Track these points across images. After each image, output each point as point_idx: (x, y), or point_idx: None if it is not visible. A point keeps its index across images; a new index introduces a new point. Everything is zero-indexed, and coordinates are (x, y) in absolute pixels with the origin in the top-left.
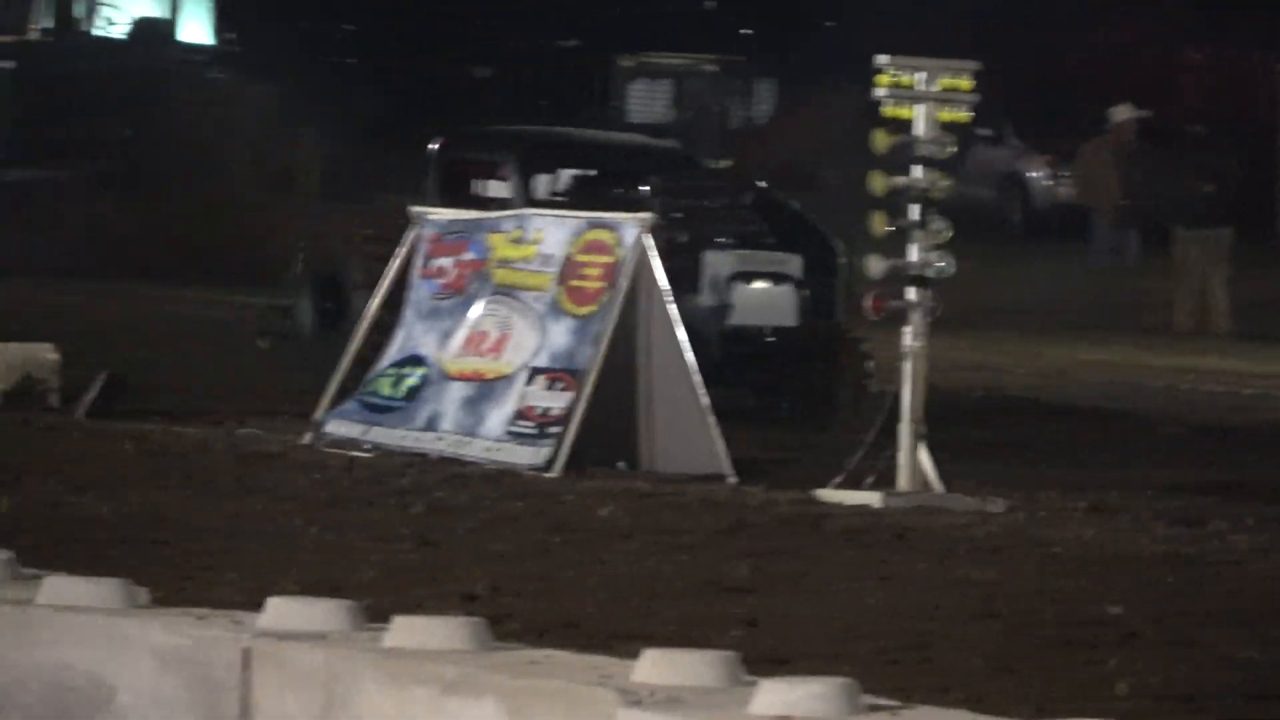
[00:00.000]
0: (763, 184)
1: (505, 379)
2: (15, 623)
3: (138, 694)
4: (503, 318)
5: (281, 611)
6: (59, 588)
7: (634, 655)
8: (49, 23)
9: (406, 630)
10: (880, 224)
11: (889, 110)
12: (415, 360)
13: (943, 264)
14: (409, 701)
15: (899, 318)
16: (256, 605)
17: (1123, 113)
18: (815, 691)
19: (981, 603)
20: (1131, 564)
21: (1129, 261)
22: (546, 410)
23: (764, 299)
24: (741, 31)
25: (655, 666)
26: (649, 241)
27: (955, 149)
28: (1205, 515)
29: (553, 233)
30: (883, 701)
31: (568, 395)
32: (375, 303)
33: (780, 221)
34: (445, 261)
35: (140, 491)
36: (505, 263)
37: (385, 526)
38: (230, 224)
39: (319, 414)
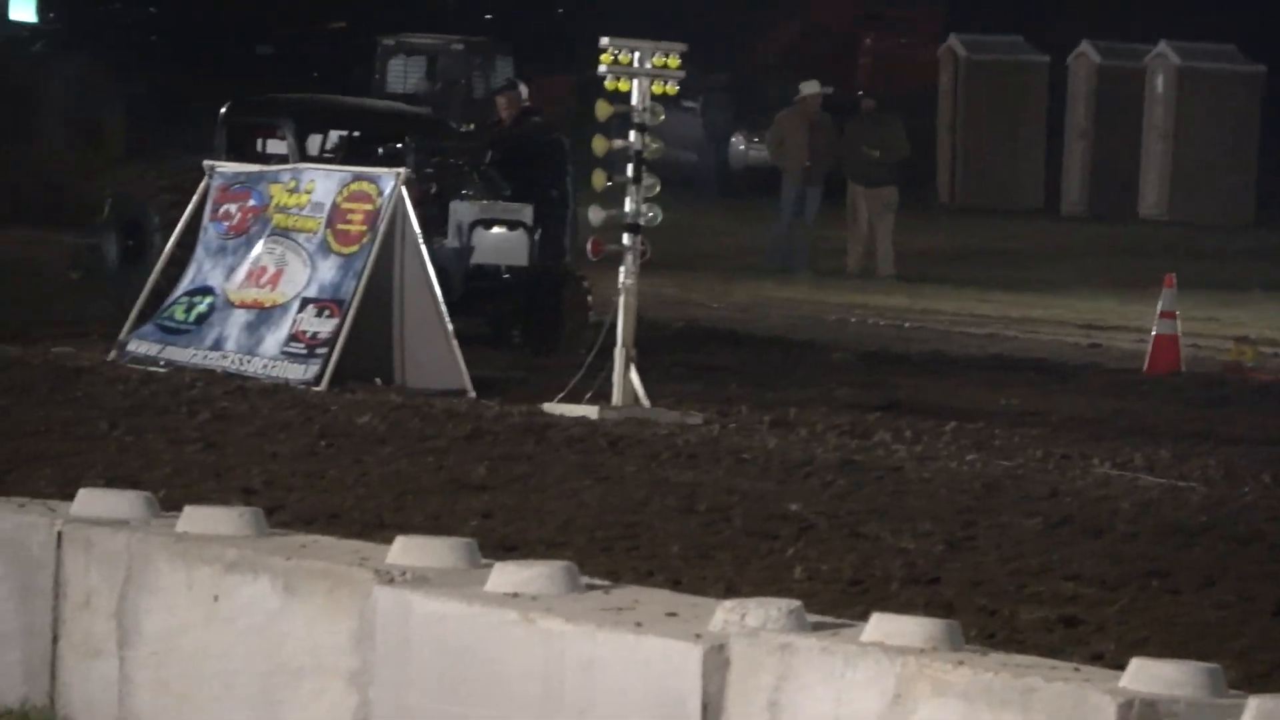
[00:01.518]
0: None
1: (280, 307)
2: None
3: None
4: (279, 255)
5: (89, 501)
6: None
7: (389, 542)
8: None
9: (194, 518)
10: (600, 180)
11: (610, 84)
12: (204, 290)
13: (652, 214)
14: (196, 579)
15: (615, 259)
16: (68, 495)
17: (810, 87)
18: (540, 573)
19: (681, 500)
20: (808, 469)
21: (810, 215)
22: (315, 334)
23: (500, 242)
24: (485, 16)
25: (406, 551)
26: (404, 192)
27: (664, 117)
28: (871, 429)
29: (322, 184)
30: (597, 581)
31: (333, 321)
32: (171, 241)
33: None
34: (232, 207)
35: None
36: (282, 209)
37: (177, 431)
38: (47, 175)
39: (122, 335)
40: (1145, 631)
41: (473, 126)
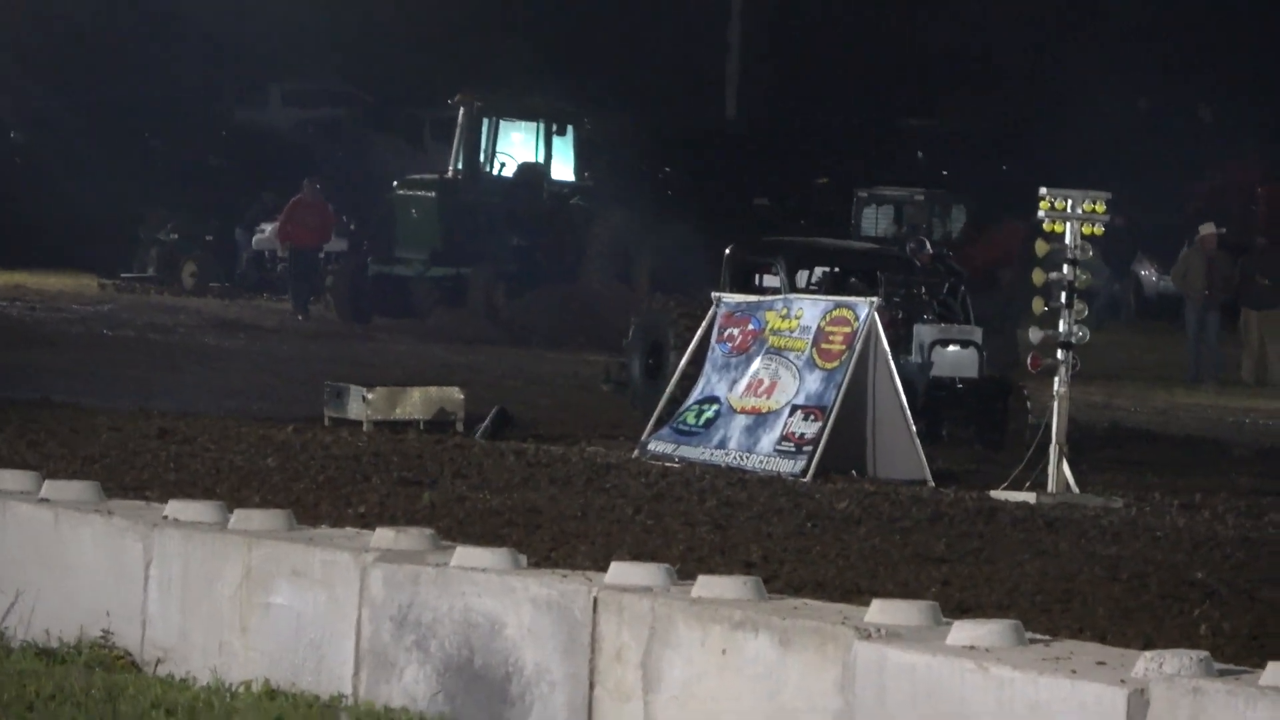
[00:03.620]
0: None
1: (774, 413)
2: (437, 579)
3: (519, 628)
4: (773, 370)
5: (619, 572)
6: (466, 555)
7: (866, 605)
8: (462, 164)
9: (707, 585)
10: (1039, 305)
11: (1048, 226)
12: (712, 399)
13: (1082, 334)
14: (709, 635)
15: (1051, 371)
16: (602, 567)
17: (1207, 228)
18: (993, 629)
19: (1107, 570)
20: (1212, 544)
21: (1211, 335)
22: (803, 435)
23: (955, 359)
24: (943, 171)
25: (881, 611)
26: (876, 318)
27: (1091, 253)
28: (1264, 509)
29: (809, 311)
30: (1039, 636)
31: (817, 424)
32: (684, 359)
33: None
34: (735, 330)
35: (520, 490)
36: (776, 332)
37: (689, 515)
38: (588, 307)
39: (644, 437)
40: None
41: (931, 262)
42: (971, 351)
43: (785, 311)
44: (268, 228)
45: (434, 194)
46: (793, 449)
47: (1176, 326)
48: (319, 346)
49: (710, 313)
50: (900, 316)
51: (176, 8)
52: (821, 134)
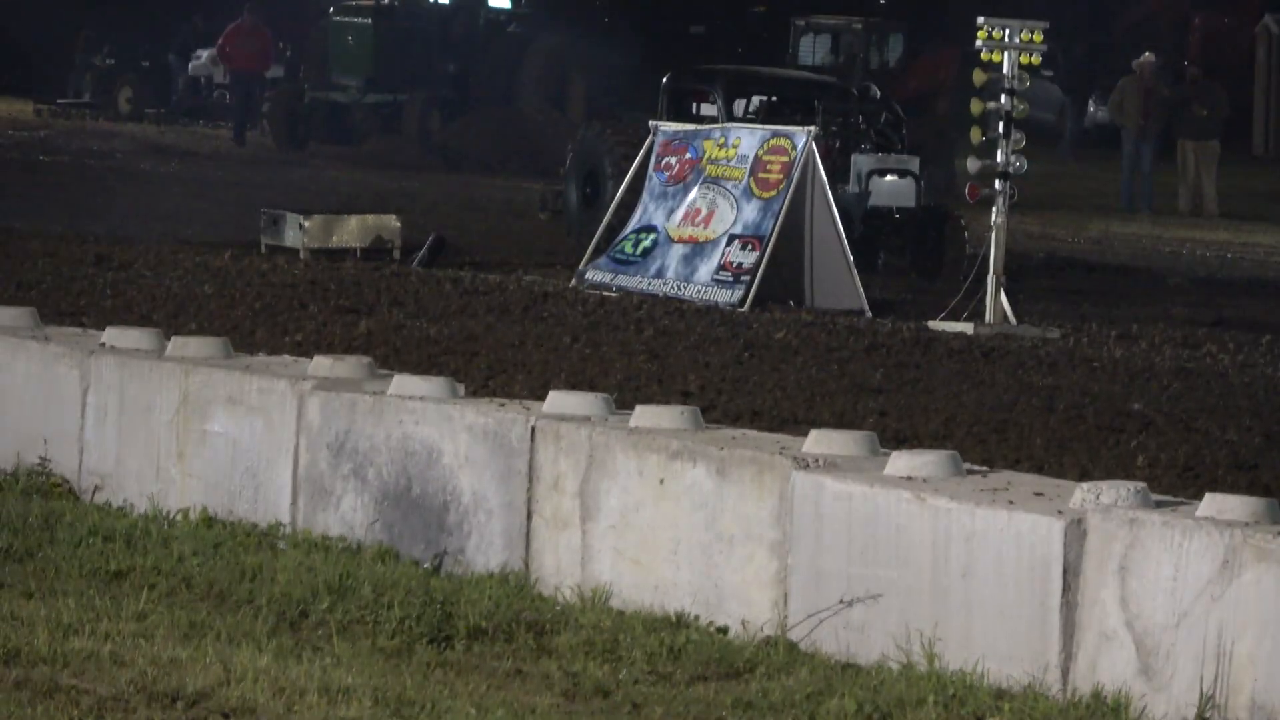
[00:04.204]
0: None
1: (711, 242)
2: (374, 408)
3: (457, 456)
4: (710, 199)
5: (557, 401)
6: (404, 383)
7: (803, 435)
8: None
9: (644, 415)
10: (977, 135)
11: (985, 55)
12: (649, 229)
13: (1019, 164)
14: (646, 465)
15: (988, 202)
16: (539, 396)
17: (1145, 58)
18: (930, 459)
19: (1043, 401)
20: (1148, 374)
21: (1146, 166)
22: (740, 264)
23: (893, 188)
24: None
25: (818, 441)
26: (813, 147)
27: (1029, 83)
28: (1200, 341)
29: (746, 140)
30: (976, 467)
31: (755, 254)
32: (621, 188)
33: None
34: (672, 160)
35: (458, 319)
36: (713, 161)
37: (627, 344)
38: (522, 134)
39: (581, 266)
40: None
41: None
42: (909, 181)
43: (723, 140)
44: (204, 54)
45: (370, 20)
46: (730, 279)
47: (1114, 156)
48: (255, 173)
49: (647, 141)
50: (838, 146)
51: None
52: None
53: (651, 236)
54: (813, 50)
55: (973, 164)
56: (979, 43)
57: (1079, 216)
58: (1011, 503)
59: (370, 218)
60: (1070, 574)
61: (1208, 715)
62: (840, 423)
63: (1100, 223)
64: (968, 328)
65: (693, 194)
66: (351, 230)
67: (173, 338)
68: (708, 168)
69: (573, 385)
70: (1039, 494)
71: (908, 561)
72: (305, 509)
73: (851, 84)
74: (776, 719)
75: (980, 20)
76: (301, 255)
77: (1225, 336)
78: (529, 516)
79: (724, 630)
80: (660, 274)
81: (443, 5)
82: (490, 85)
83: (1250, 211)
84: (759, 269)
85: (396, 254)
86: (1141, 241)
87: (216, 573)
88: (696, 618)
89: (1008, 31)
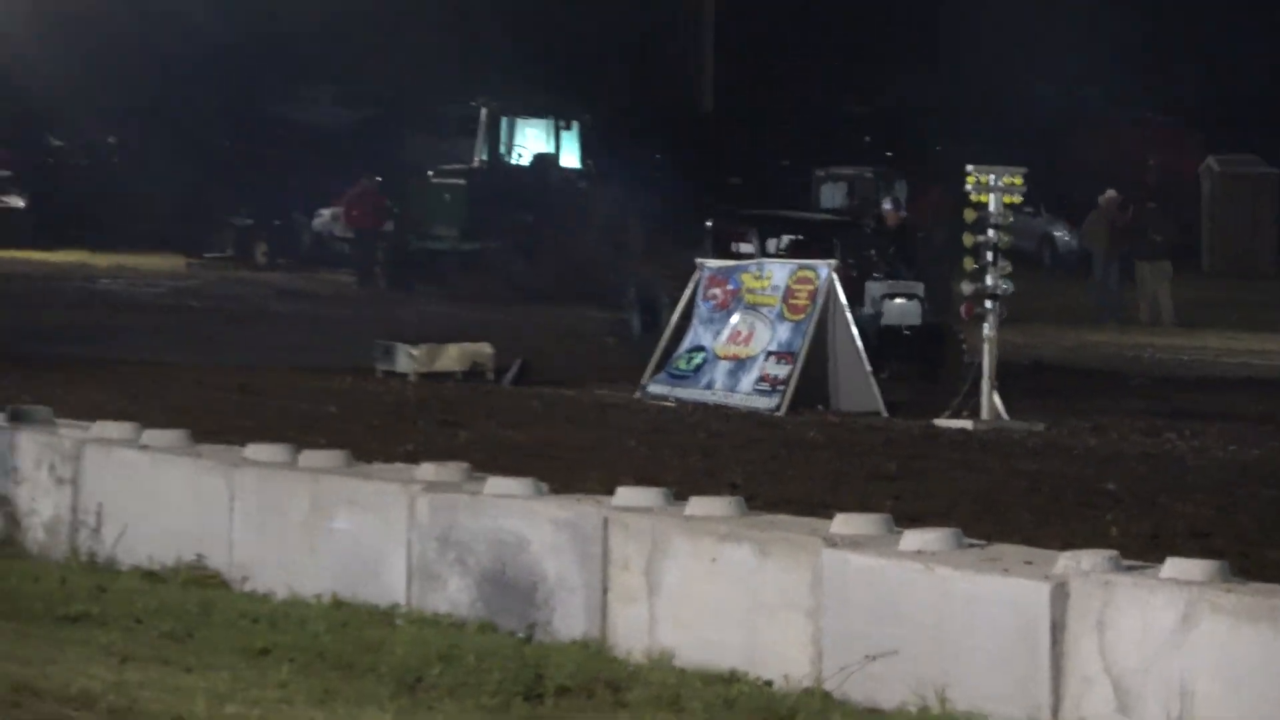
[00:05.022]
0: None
1: (752, 358)
2: (472, 505)
3: (542, 544)
4: (750, 322)
5: (625, 495)
6: (497, 484)
7: (830, 518)
8: (485, 156)
9: (697, 505)
10: (969, 263)
11: (974, 196)
12: (699, 348)
13: (1007, 286)
14: (700, 546)
15: (981, 318)
16: (609, 491)
17: (1109, 194)
18: (937, 536)
19: (1030, 483)
20: (1118, 459)
21: (1112, 284)
22: (776, 376)
23: (901, 309)
24: (886, 152)
25: (844, 524)
26: (834, 277)
27: (1011, 219)
28: (1160, 429)
29: (778, 272)
30: (975, 541)
31: (788, 367)
32: (675, 314)
33: (912, 262)
34: (716, 290)
35: (541, 427)
36: (751, 290)
37: (682, 445)
38: (588, 273)
39: (643, 380)
40: None
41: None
42: (915, 303)
43: (758, 273)
44: (325, 212)
45: (464, 181)
46: (768, 388)
47: (1082, 276)
48: (369, 310)
49: (695, 275)
50: (855, 275)
51: (244, 39)
52: (784, 123)
53: (701, 355)
54: (832, 195)
55: (966, 287)
56: (968, 186)
57: (1056, 328)
58: (1006, 570)
59: (467, 346)
60: (1057, 629)
61: None
62: (861, 506)
63: (1074, 333)
64: (967, 424)
65: (735, 318)
66: (452, 356)
67: (303, 451)
68: (746, 296)
69: (638, 481)
70: (1029, 562)
71: (919, 621)
72: (418, 591)
73: (864, 223)
74: None
75: (969, 167)
76: (410, 378)
77: (1181, 425)
78: (604, 592)
79: (769, 683)
80: (709, 385)
81: (522, 167)
82: (562, 231)
83: (1200, 319)
84: (792, 379)
85: (489, 375)
86: (1109, 347)
87: (344, 647)
88: (746, 673)
89: (992, 176)
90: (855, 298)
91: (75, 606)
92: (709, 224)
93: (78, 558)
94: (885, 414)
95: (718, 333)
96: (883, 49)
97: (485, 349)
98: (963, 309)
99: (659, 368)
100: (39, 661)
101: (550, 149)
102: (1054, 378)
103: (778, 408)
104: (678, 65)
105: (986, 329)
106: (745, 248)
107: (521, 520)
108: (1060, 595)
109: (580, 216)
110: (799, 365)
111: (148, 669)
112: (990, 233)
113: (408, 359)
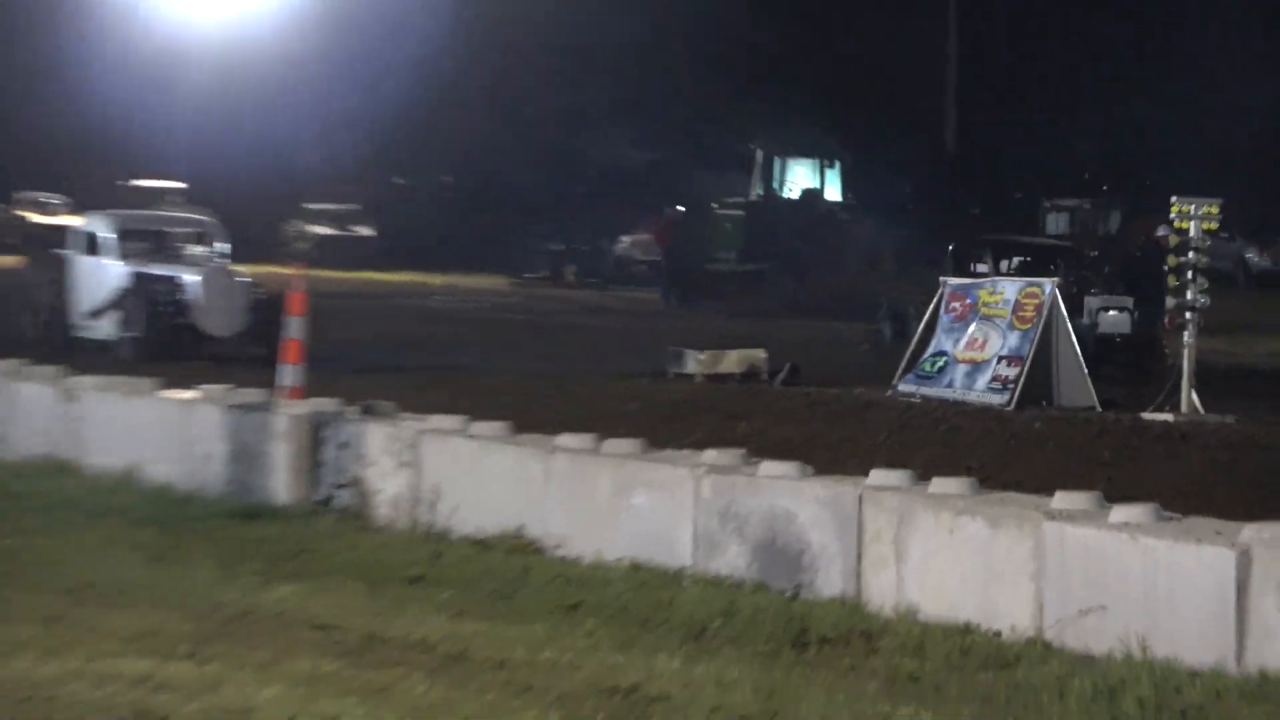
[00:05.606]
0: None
1: (986, 362)
2: (749, 484)
3: (808, 518)
4: (985, 331)
5: (877, 476)
6: (770, 468)
7: (1051, 496)
8: (760, 190)
9: (939, 484)
10: (1173, 280)
11: (1177, 224)
12: (941, 353)
13: (1204, 300)
14: (940, 519)
15: (1183, 328)
16: (864, 474)
17: None
18: (1141, 511)
19: (1224, 469)
20: None
21: None
22: (1007, 376)
23: (1114, 320)
24: (1103, 186)
25: (1062, 500)
26: (1057, 293)
27: (1208, 243)
28: None
29: (1009, 289)
30: (1174, 515)
31: (1017, 369)
32: (922, 325)
33: (1125, 278)
34: (956, 304)
35: (806, 422)
36: (985, 304)
37: (927, 436)
38: (847, 290)
39: (895, 381)
40: None
41: (1096, 253)
42: (1126, 314)
43: (992, 289)
44: (626, 239)
45: (742, 211)
46: (1000, 387)
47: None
48: (662, 323)
49: (939, 292)
50: (1075, 291)
51: (563, 97)
52: (1015, 160)
53: (943, 359)
54: (1055, 223)
55: (1170, 302)
56: (1172, 214)
57: (1253, 337)
58: (1199, 540)
59: (746, 351)
60: (1240, 589)
61: None
62: (1078, 487)
63: (1270, 342)
64: (1169, 417)
65: (972, 328)
66: (732, 360)
67: (606, 440)
68: (982, 309)
69: (888, 465)
70: (1219, 533)
71: (1125, 583)
72: (702, 557)
73: (1084, 248)
74: (1036, 695)
75: (1173, 199)
76: (696, 379)
77: None
78: (859, 559)
79: (998, 634)
80: (950, 384)
81: (793, 200)
82: (826, 255)
83: None
84: (1020, 380)
85: (764, 377)
86: None
87: (641, 603)
88: (979, 626)
89: (1193, 206)
90: (1074, 310)
91: (415, 570)
92: (950, 248)
93: (417, 529)
94: (1099, 409)
95: (957, 340)
96: (1104, 88)
97: (760, 354)
98: (1167, 319)
99: (907, 370)
100: (386, 615)
101: (816, 185)
102: (1249, 381)
103: (1008, 403)
104: (926, 112)
105: (1186, 336)
106: (981, 268)
107: (789, 498)
108: (1244, 560)
109: (841, 243)
110: (1026, 367)
111: (477, 622)
112: (1190, 254)
113: (695, 363)
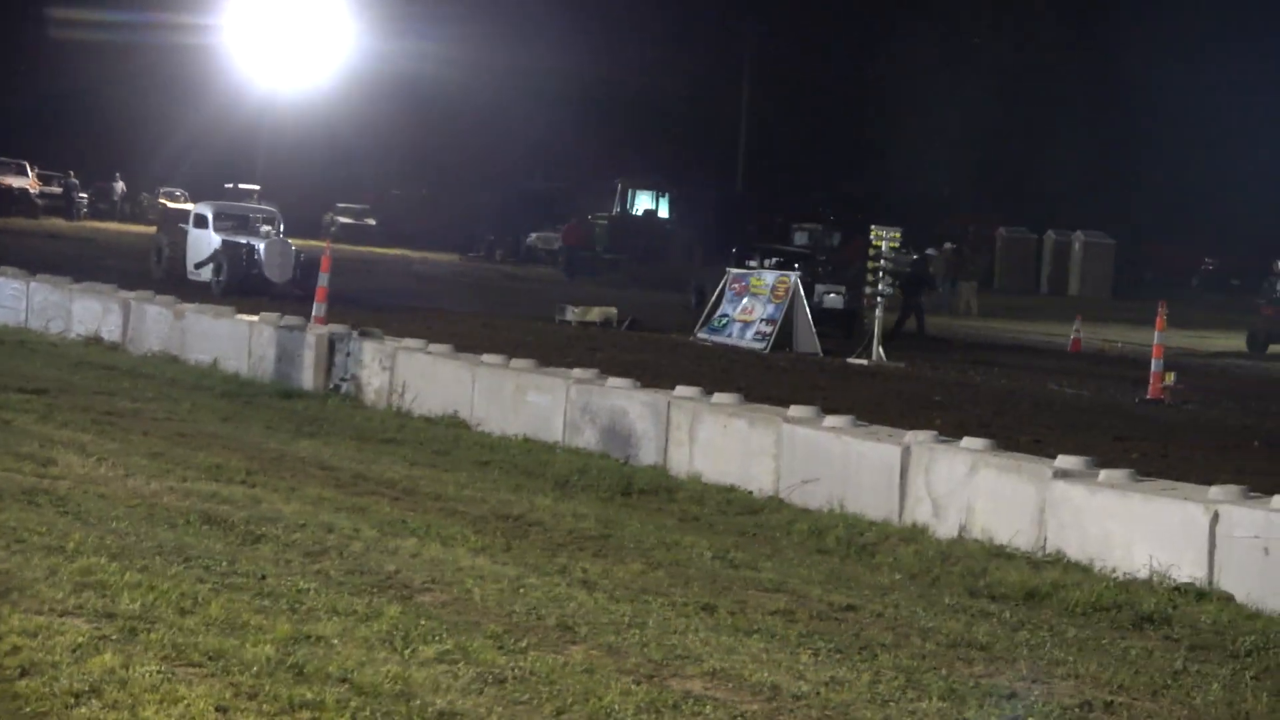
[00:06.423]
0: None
1: (752, 322)
2: (599, 391)
3: (635, 413)
4: (753, 303)
5: (680, 390)
6: (614, 381)
7: (786, 407)
8: (619, 209)
9: (718, 397)
10: (869, 277)
11: (875, 243)
12: (725, 316)
13: (888, 290)
14: (718, 418)
15: (874, 307)
16: (673, 386)
17: (947, 246)
18: (843, 419)
19: (895, 394)
20: (944, 384)
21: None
22: (765, 332)
23: (833, 299)
24: (830, 216)
25: (795, 410)
26: (799, 281)
27: (895, 254)
28: (969, 369)
29: (769, 277)
30: (864, 423)
31: (771, 328)
32: (713, 297)
33: (847, 271)
34: (736, 284)
35: (641, 354)
36: (754, 286)
37: (713, 366)
38: (672, 273)
39: (696, 331)
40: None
41: (824, 258)
42: (840, 295)
43: (759, 277)
44: (534, 235)
45: (608, 222)
46: (761, 338)
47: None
48: (555, 289)
49: (725, 277)
50: (809, 280)
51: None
52: (779, 197)
53: (726, 319)
54: (799, 238)
55: (867, 289)
56: (872, 236)
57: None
58: (878, 439)
59: (604, 308)
60: (904, 471)
61: None
62: (806, 401)
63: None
64: (864, 362)
65: (745, 300)
66: (595, 313)
67: (512, 359)
68: (752, 289)
69: (688, 382)
70: (890, 435)
71: (832, 463)
72: (569, 436)
73: (817, 255)
74: (773, 532)
75: (872, 226)
76: (572, 324)
77: (982, 368)
78: (666, 441)
79: (751, 492)
80: (729, 335)
81: (639, 216)
82: (658, 251)
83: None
84: (773, 334)
85: (615, 325)
86: (944, 327)
87: (529, 462)
88: (739, 487)
89: (885, 231)
90: (809, 291)
91: (388, 435)
92: (734, 250)
93: (391, 410)
94: (821, 355)
95: (736, 307)
96: (834, 151)
97: (613, 310)
98: (864, 300)
99: (703, 325)
100: (368, 462)
101: (653, 206)
102: (922, 342)
103: (765, 349)
104: (726, 162)
105: (877, 312)
106: (752, 263)
107: (625, 400)
108: (906, 454)
109: (668, 244)
110: (778, 327)
111: (424, 469)
112: (881, 261)
113: (571, 314)
